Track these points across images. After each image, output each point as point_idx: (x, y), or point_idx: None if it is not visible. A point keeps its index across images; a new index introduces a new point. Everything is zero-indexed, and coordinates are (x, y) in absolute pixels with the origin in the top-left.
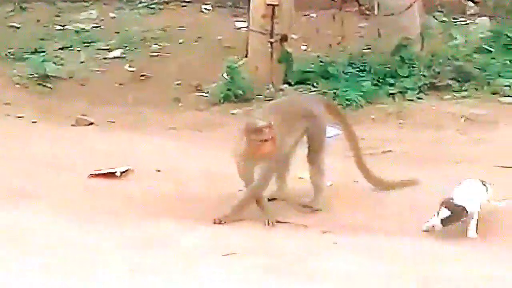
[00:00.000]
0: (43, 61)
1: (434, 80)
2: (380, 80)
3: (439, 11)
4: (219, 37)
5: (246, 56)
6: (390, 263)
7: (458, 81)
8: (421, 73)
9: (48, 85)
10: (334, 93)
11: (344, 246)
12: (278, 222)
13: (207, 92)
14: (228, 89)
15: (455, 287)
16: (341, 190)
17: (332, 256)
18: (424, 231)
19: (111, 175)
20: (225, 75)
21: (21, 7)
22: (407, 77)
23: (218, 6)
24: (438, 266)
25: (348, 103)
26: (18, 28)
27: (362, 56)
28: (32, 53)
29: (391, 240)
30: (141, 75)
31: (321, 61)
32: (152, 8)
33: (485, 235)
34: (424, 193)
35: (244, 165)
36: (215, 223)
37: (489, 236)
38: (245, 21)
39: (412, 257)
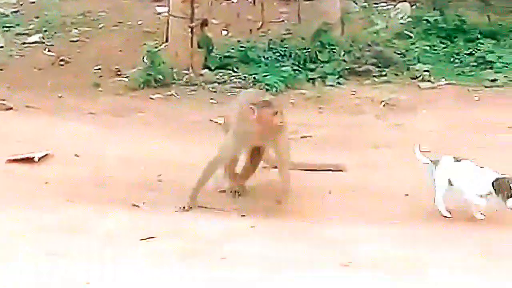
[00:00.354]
0: None
1: (354, 65)
2: (300, 65)
3: None
4: (139, 22)
5: (166, 41)
6: (309, 246)
7: (378, 66)
8: (341, 58)
9: None
10: (254, 78)
11: (262, 230)
12: (200, 206)
13: (127, 77)
14: (148, 74)
15: (373, 268)
16: (262, 175)
17: (249, 240)
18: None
19: (30, 159)
20: (145, 60)
21: None
22: (327, 62)
23: None
24: (357, 248)
25: (268, 88)
26: None
27: (282, 41)
28: None
29: (310, 224)
30: (61, 60)
31: (241, 46)
32: None
33: (410, 217)
34: (342, 176)
35: (238, 145)
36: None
37: (413, 218)
38: (166, 6)
39: (330, 239)
